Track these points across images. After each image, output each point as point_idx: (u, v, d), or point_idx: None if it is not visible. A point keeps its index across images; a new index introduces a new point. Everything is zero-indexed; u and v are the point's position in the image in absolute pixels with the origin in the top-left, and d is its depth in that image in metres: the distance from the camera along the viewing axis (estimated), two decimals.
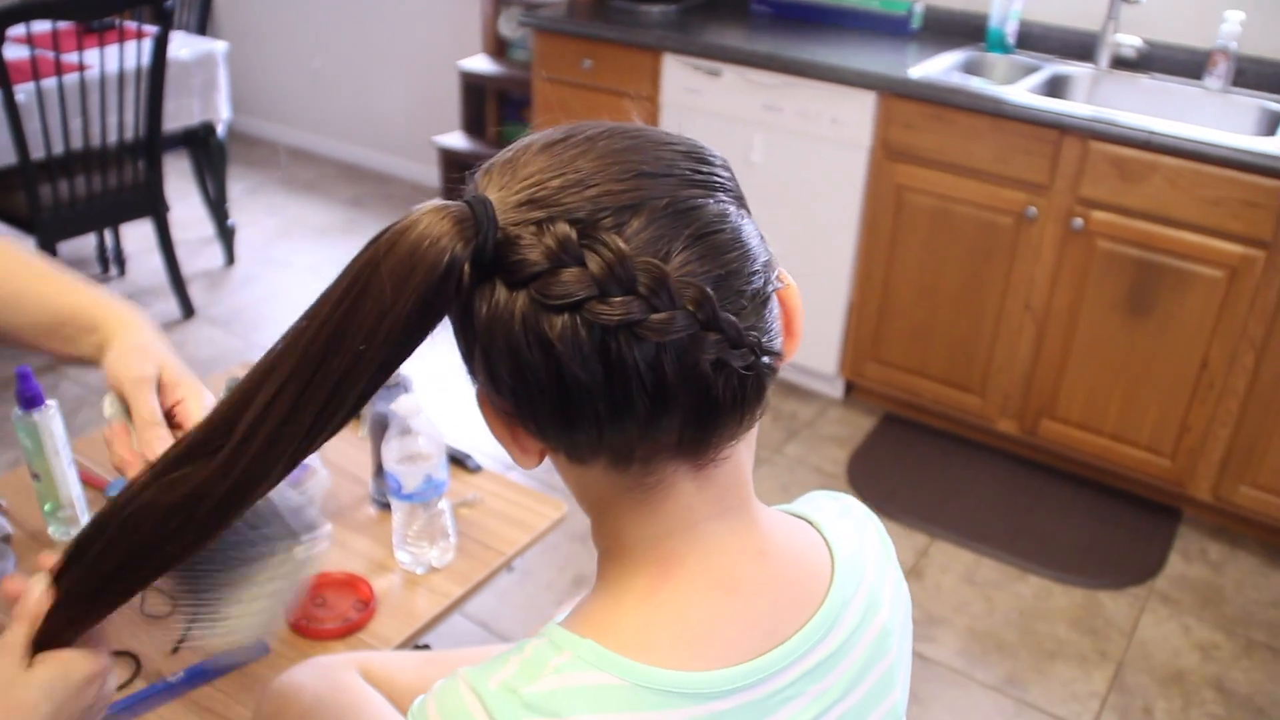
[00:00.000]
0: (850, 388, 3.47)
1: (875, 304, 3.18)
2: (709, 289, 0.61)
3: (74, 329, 1.02)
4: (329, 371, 0.62)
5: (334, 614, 1.37)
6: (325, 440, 0.65)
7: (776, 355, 0.67)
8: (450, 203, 0.62)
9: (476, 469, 1.65)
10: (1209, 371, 2.71)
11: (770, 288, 0.67)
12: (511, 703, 0.65)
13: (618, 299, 0.59)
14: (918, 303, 3.10)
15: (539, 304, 0.60)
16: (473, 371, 0.67)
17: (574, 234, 0.60)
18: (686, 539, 0.70)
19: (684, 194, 0.63)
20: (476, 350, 0.64)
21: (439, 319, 0.62)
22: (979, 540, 2.85)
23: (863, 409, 3.42)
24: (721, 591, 0.70)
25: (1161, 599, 2.70)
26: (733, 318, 0.62)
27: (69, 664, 0.75)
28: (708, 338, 0.61)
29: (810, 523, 0.80)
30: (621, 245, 0.60)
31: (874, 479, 3.08)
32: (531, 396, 0.63)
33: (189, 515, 0.67)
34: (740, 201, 0.68)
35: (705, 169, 0.66)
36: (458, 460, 1.65)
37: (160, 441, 0.92)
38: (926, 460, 3.19)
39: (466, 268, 0.60)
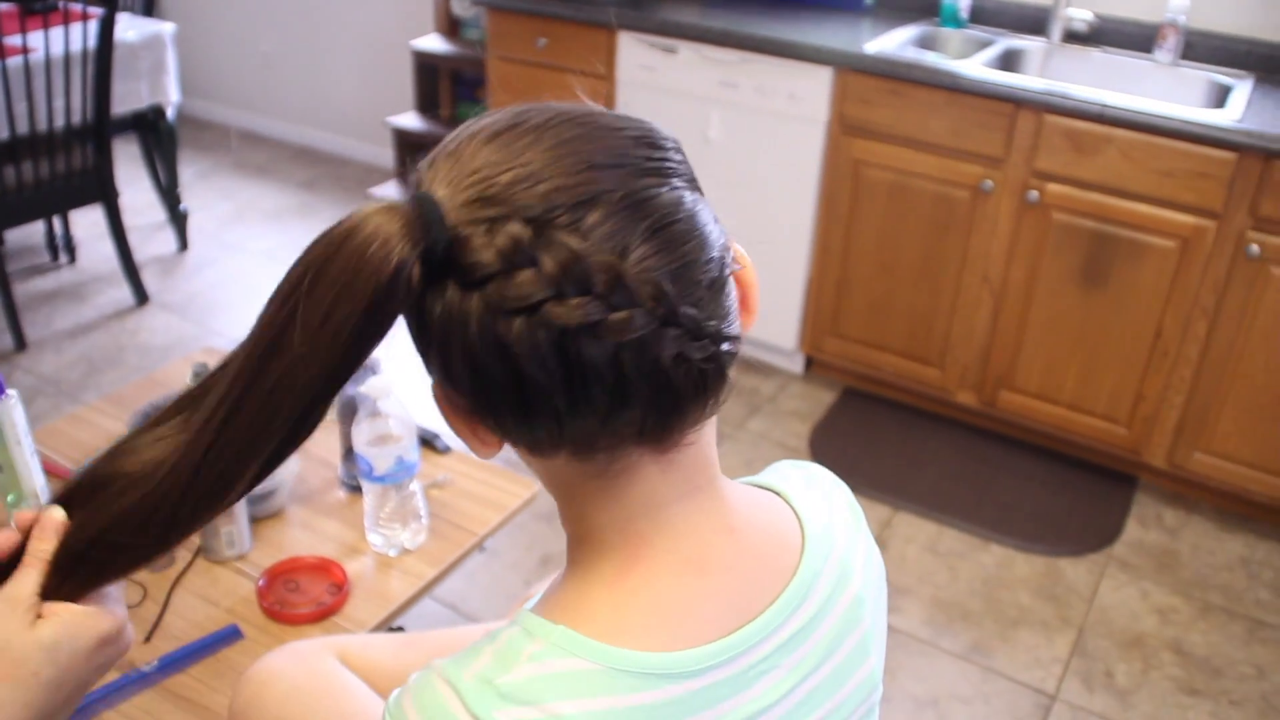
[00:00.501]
0: (810, 362, 3.49)
1: (834, 279, 3.20)
2: (667, 284, 0.60)
3: None
4: (269, 375, 0.61)
5: (308, 598, 1.37)
6: (284, 447, 0.64)
7: (735, 340, 0.66)
8: (396, 202, 0.60)
9: (446, 450, 1.65)
10: (1163, 340, 2.76)
11: (727, 271, 0.66)
12: (488, 694, 0.64)
13: (574, 300, 0.58)
14: (876, 277, 3.12)
15: (494, 307, 0.59)
16: (429, 368, 0.66)
17: (527, 234, 0.58)
18: (654, 521, 0.70)
19: (638, 184, 0.62)
20: (432, 350, 0.63)
21: (390, 321, 0.61)
22: (941, 511, 2.89)
23: (823, 383, 3.44)
24: (692, 571, 0.70)
25: (1120, 565, 2.75)
26: (691, 310, 0.62)
27: (79, 621, 0.71)
28: (667, 333, 0.60)
29: (778, 494, 0.80)
30: (576, 245, 0.58)
31: (836, 452, 3.10)
32: (490, 395, 0.63)
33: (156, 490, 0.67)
34: (693, 184, 0.67)
35: (658, 155, 0.65)
36: (427, 441, 1.64)
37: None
38: (887, 433, 3.22)
39: (416, 270, 0.59)
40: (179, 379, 1.35)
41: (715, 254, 0.65)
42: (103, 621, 0.73)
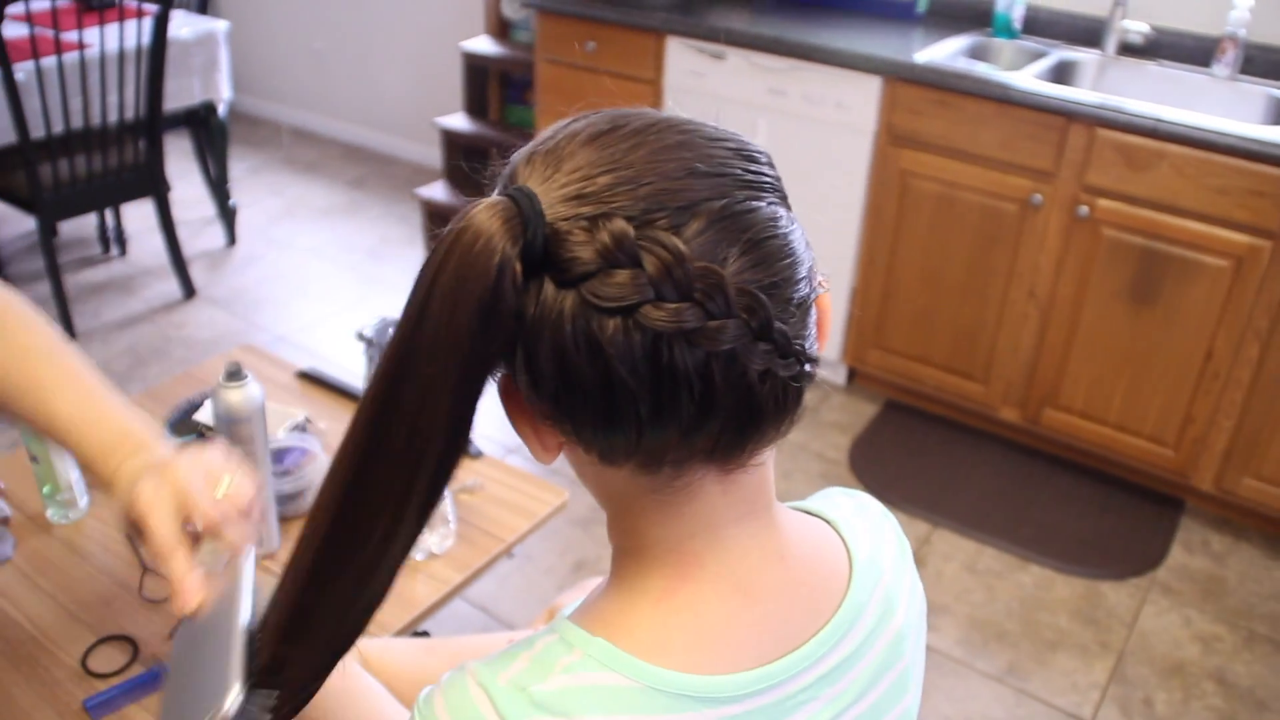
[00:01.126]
0: (853, 374, 3.45)
1: (878, 290, 3.17)
2: (763, 297, 0.59)
3: (127, 449, 0.96)
4: (404, 401, 0.60)
5: None
6: (440, 480, 0.63)
7: (816, 362, 0.65)
8: (497, 199, 0.59)
9: (477, 454, 1.64)
10: (1213, 362, 2.70)
11: (814, 294, 0.66)
12: (520, 700, 0.64)
13: (673, 304, 0.57)
14: (921, 289, 3.09)
15: (590, 305, 0.57)
16: (510, 367, 0.64)
17: (631, 232, 0.57)
18: (707, 541, 0.69)
19: (738, 196, 0.61)
20: (519, 346, 0.61)
21: (505, 322, 0.59)
22: (980, 529, 2.85)
23: (865, 396, 3.41)
24: (739, 595, 0.69)
25: (1163, 590, 2.70)
26: (783, 327, 0.61)
27: None
28: (758, 347, 0.60)
29: (828, 522, 0.79)
30: (680, 247, 0.57)
31: (876, 466, 3.07)
32: (574, 397, 0.61)
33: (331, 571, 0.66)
34: (785, 201, 0.66)
35: (755, 168, 0.64)
36: None
37: (178, 563, 0.85)
38: (929, 448, 3.18)
39: (518, 267, 0.58)
40: (215, 376, 1.35)
41: (805, 274, 0.64)
42: None
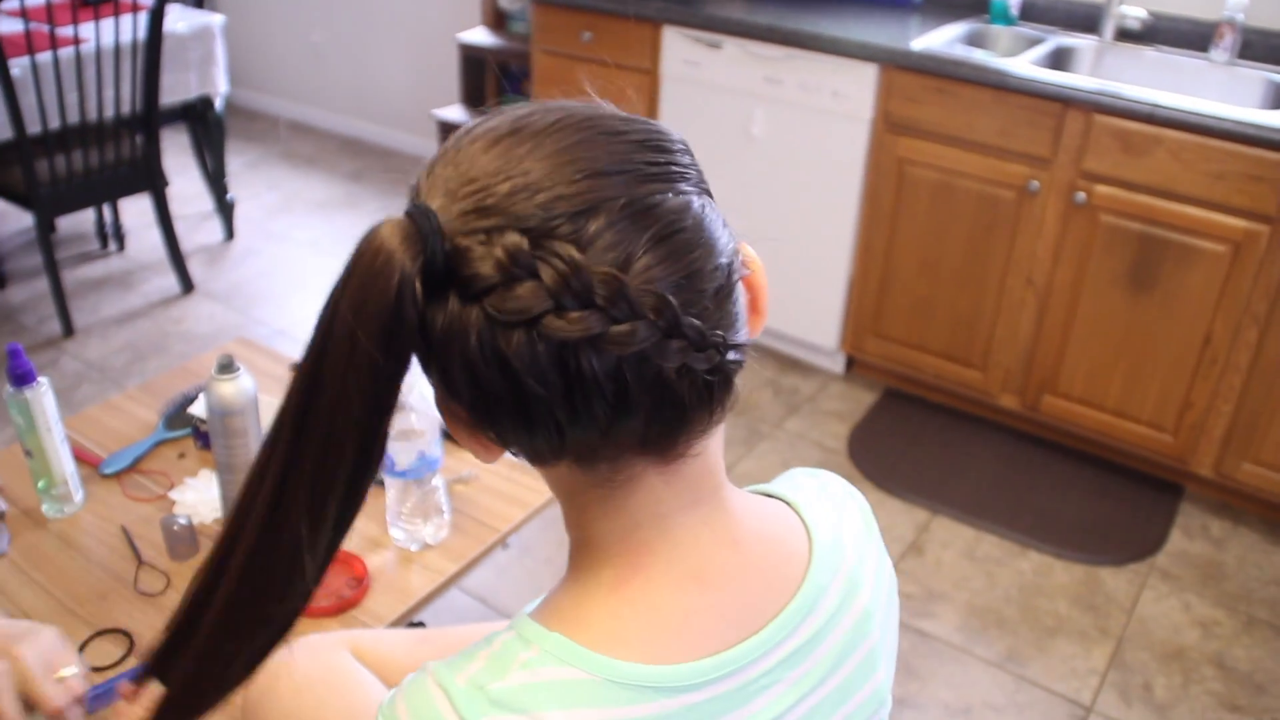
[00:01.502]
0: (851, 363, 3.45)
1: (876, 278, 3.16)
2: (670, 295, 0.59)
3: None
4: (314, 421, 0.60)
5: (327, 591, 1.36)
6: (353, 498, 0.62)
7: (741, 348, 0.65)
8: (397, 217, 0.59)
9: None
10: (1212, 347, 2.70)
11: (735, 277, 0.65)
12: (479, 699, 0.64)
13: (575, 313, 0.57)
14: (919, 277, 3.09)
15: (493, 319, 0.58)
16: (430, 378, 0.65)
17: (525, 244, 0.57)
18: (656, 531, 0.69)
19: (641, 191, 0.60)
20: (433, 361, 0.62)
21: (407, 341, 0.59)
22: (980, 516, 2.85)
23: (864, 384, 3.41)
24: (692, 583, 0.69)
25: (1162, 576, 2.70)
26: (695, 321, 0.60)
27: None
28: (670, 345, 0.59)
29: (788, 503, 0.79)
30: (576, 255, 0.57)
31: (875, 454, 3.07)
32: (490, 407, 0.61)
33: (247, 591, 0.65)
34: (701, 187, 0.65)
35: (663, 159, 0.63)
36: (452, 437, 1.64)
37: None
38: (927, 435, 3.18)
39: (418, 284, 0.58)
40: (210, 370, 1.35)
41: (723, 260, 0.63)
42: None
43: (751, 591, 0.71)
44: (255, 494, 0.63)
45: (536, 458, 0.66)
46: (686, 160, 0.65)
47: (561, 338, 0.57)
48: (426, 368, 0.64)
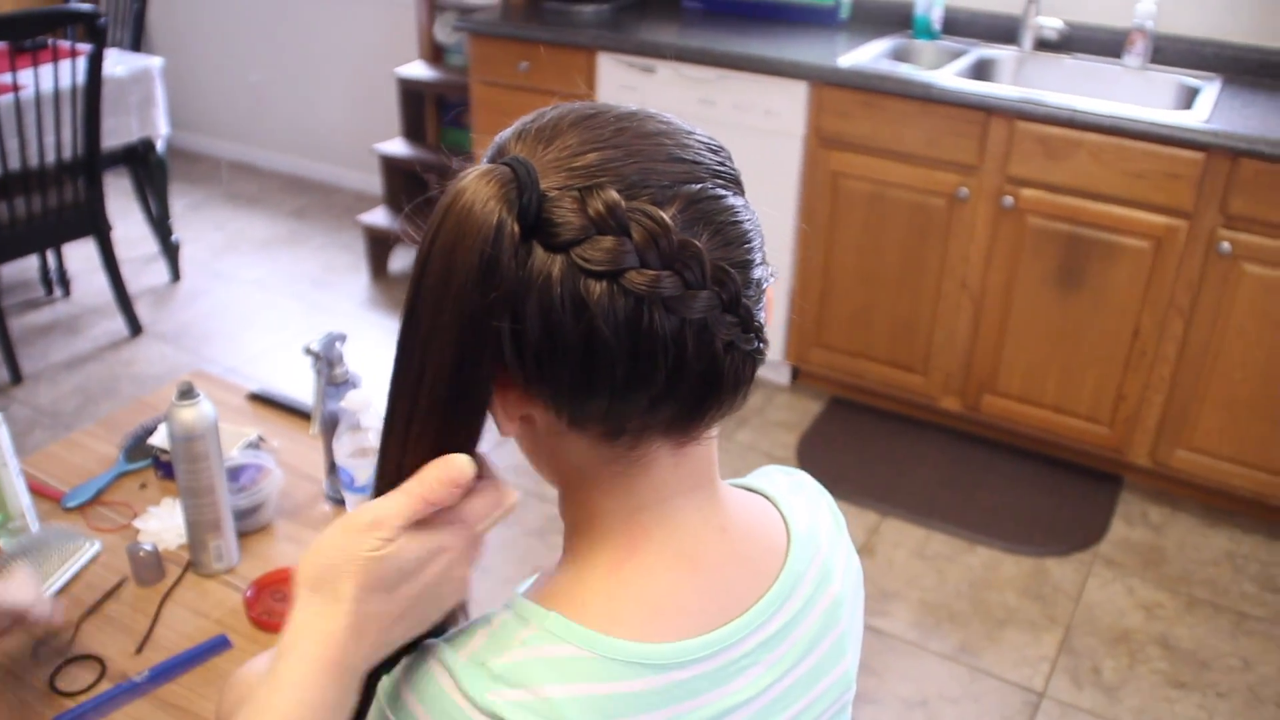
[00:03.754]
0: (797, 373, 3.52)
1: (816, 290, 3.24)
2: (734, 272, 0.64)
3: None
4: (412, 348, 0.65)
5: None
6: (467, 422, 0.68)
7: (768, 344, 0.71)
8: (492, 166, 0.63)
9: None
10: (1141, 340, 2.80)
11: (768, 282, 0.71)
12: (481, 675, 0.67)
13: (655, 271, 0.61)
14: (858, 286, 3.17)
15: (578, 268, 0.61)
16: (490, 336, 0.66)
17: (622, 202, 0.62)
18: (656, 514, 0.73)
19: (710, 183, 0.66)
20: (506, 311, 0.64)
21: (502, 277, 0.62)
22: (928, 515, 2.92)
23: (810, 394, 3.48)
24: (684, 566, 0.73)
25: (1106, 563, 2.78)
26: (748, 303, 0.66)
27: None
28: (726, 319, 0.65)
29: (767, 497, 0.84)
30: (665, 218, 0.62)
31: (824, 461, 3.14)
32: (555, 357, 0.64)
33: None
34: (744, 193, 0.71)
35: (721, 159, 0.69)
36: None
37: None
38: (874, 441, 3.25)
39: (515, 227, 0.61)
40: (168, 403, 1.38)
41: (761, 260, 0.70)
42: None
43: (736, 577, 0.76)
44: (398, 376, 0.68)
45: (577, 421, 0.68)
46: (734, 167, 0.71)
47: (641, 292, 0.61)
48: (493, 318, 0.65)
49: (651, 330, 0.62)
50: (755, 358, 0.69)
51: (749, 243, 0.68)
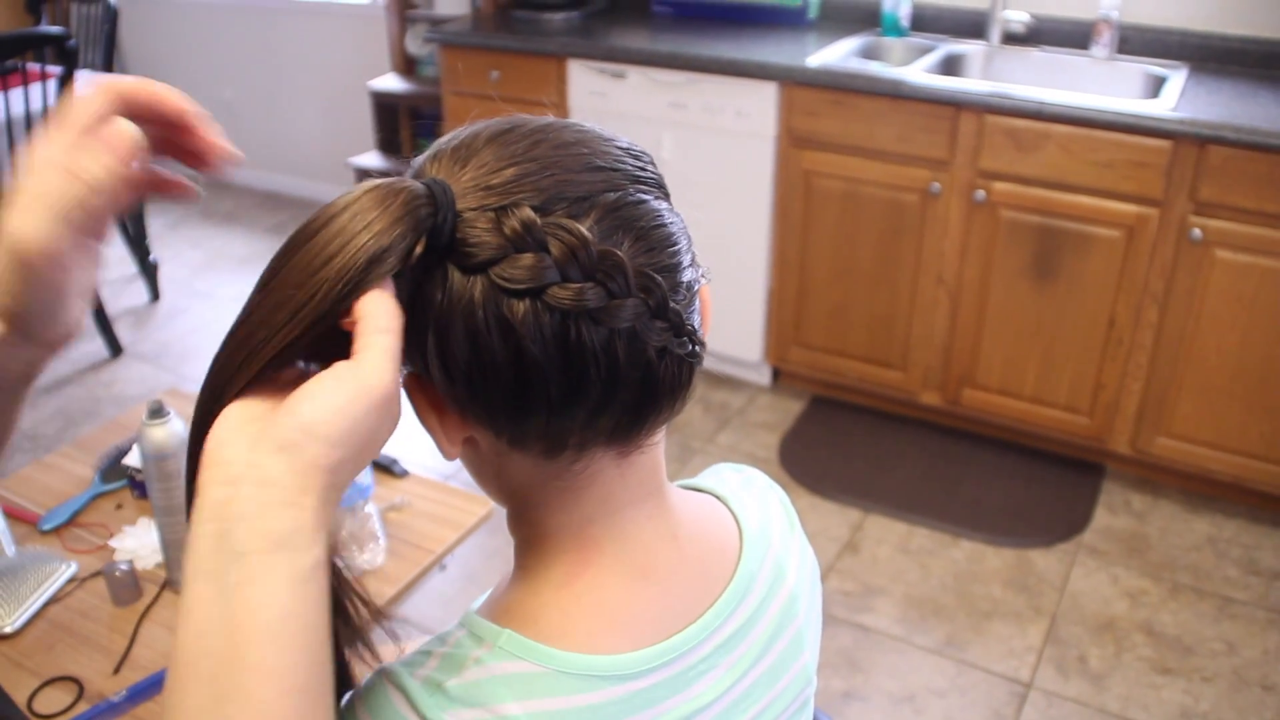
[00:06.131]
0: (777, 374, 3.53)
1: (794, 289, 3.25)
2: (659, 278, 0.64)
3: None
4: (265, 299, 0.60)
5: None
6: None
7: (704, 345, 0.70)
8: (406, 181, 0.61)
9: (403, 474, 1.68)
10: (1117, 329, 2.81)
11: (698, 283, 0.70)
12: (437, 697, 0.66)
13: (577, 285, 0.61)
14: (834, 285, 3.18)
15: (500, 288, 0.61)
16: (420, 357, 0.66)
17: (538, 219, 0.61)
18: (606, 526, 0.73)
19: (630, 189, 0.66)
20: (430, 335, 0.64)
21: (395, 269, 0.59)
22: (911, 510, 2.93)
23: (791, 393, 3.49)
24: (637, 576, 0.73)
25: (1090, 552, 2.79)
26: (676, 307, 0.65)
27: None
28: (656, 325, 0.64)
29: (718, 497, 0.84)
30: (584, 231, 0.61)
31: (806, 460, 3.14)
32: (487, 381, 0.64)
33: None
34: (668, 197, 0.71)
35: (642, 164, 0.69)
36: (384, 467, 1.68)
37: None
38: (856, 438, 3.26)
39: (419, 249, 0.60)
40: (139, 423, 1.38)
41: (689, 263, 0.69)
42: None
43: (690, 582, 0.76)
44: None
45: (518, 441, 0.68)
46: (656, 171, 0.71)
47: (566, 307, 0.61)
48: (417, 343, 0.64)
49: (580, 344, 0.62)
50: (691, 361, 0.68)
51: (673, 246, 0.67)
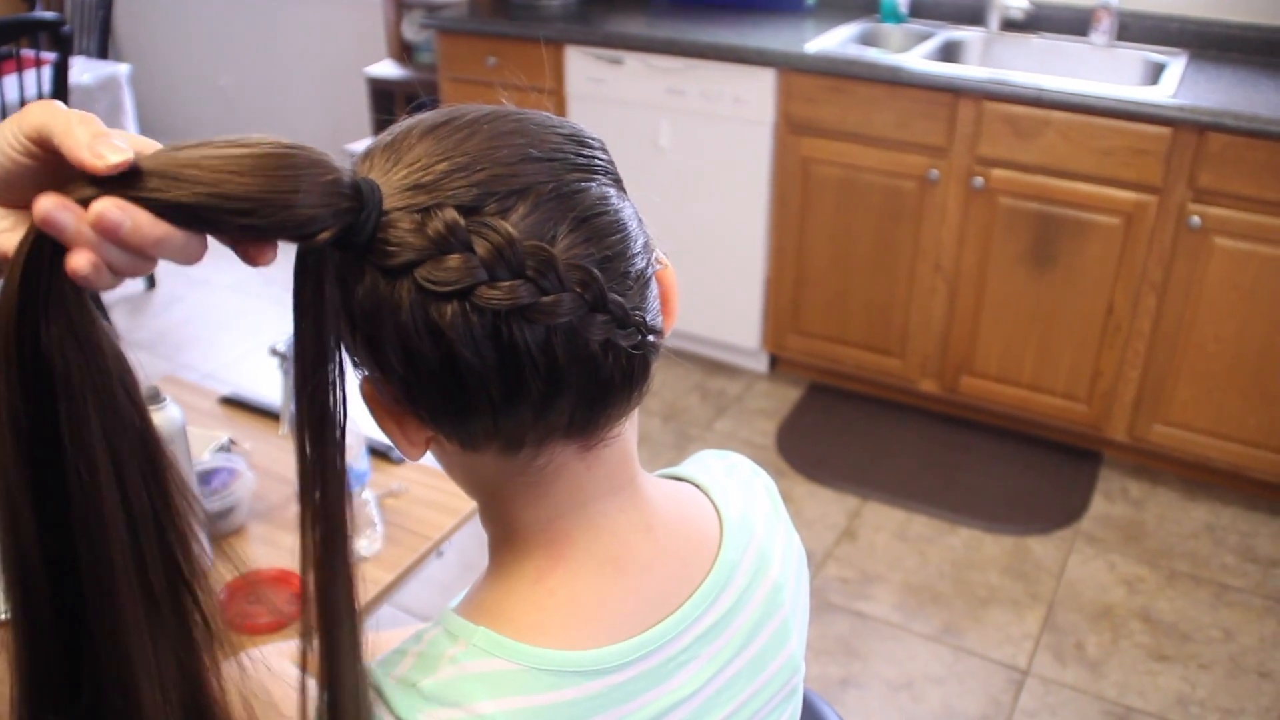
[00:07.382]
0: (775, 361, 3.53)
1: (791, 276, 3.24)
2: (595, 270, 0.62)
3: None
4: None
5: (268, 609, 1.40)
6: None
7: (659, 334, 0.68)
8: (343, 170, 0.58)
9: (400, 460, 1.68)
10: (1115, 316, 2.81)
11: (650, 269, 0.68)
12: (412, 696, 0.66)
13: (506, 283, 0.59)
14: (832, 272, 3.17)
15: (426, 291, 0.59)
16: (357, 361, 0.65)
17: (461, 220, 0.59)
18: (577, 519, 0.72)
19: (568, 178, 0.63)
20: (361, 340, 0.63)
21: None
22: (909, 498, 2.93)
23: (788, 380, 3.49)
24: (611, 569, 0.72)
25: (1087, 539, 2.79)
26: (619, 298, 0.63)
27: None
28: (595, 318, 0.62)
29: (697, 485, 0.83)
30: (509, 229, 0.59)
31: (803, 448, 3.14)
32: (423, 385, 0.63)
33: None
34: (618, 184, 0.68)
35: (587, 152, 0.66)
36: (381, 453, 1.68)
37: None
38: (853, 425, 3.26)
39: (325, 236, 0.57)
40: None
41: (639, 250, 0.67)
42: None
43: (667, 574, 0.75)
44: None
45: (467, 443, 0.67)
46: (605, 157, 0.69)
47: (494, 307, 0.59)
48: (354, 348, 0.64)
49: (514, 344, 0.60)
50: (641, 350, 0.66)
51: (617, 234, 0.65)
